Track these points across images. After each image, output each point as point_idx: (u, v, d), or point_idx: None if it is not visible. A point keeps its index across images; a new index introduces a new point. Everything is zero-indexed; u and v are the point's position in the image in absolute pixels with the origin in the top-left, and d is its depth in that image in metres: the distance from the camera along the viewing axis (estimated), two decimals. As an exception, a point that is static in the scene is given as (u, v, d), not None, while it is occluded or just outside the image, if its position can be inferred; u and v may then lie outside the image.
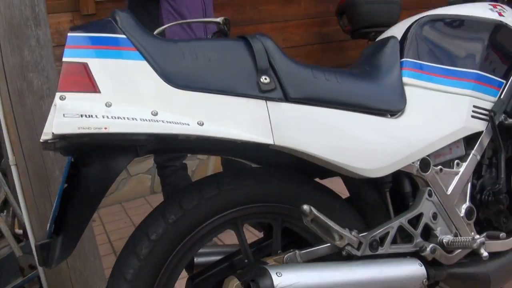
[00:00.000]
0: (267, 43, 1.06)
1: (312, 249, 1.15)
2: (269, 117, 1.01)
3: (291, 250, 1.13)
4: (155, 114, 0.90)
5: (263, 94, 1.01)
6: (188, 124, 0.91)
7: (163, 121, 0.89)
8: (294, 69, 1.09)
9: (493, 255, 1.42)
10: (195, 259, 1.26)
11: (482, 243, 1.17)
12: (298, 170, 1.21)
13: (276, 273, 0.98)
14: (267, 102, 1.02)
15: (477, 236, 1.19)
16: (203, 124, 0.93)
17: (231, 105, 0.98)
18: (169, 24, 1.37)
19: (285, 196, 1.15)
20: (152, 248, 1.02)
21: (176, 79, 0.94)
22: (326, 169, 1.24)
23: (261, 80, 1.02)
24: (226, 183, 1.09)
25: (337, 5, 3.85)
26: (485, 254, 1.18)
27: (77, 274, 1.73)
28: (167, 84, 0.93)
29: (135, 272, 1.02)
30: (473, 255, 1.38)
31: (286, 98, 1.04)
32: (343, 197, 1.29)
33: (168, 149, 1.13)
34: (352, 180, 1.26)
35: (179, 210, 1.05)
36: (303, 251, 1.13)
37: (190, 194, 1.07)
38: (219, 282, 1.17)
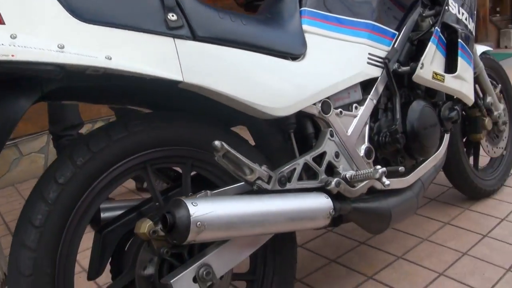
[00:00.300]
0: None
1: (223, 188, 1.17)
2: (178, 54, 1.01)
3: (203, 191, 1.14)
4: (62, 47, 0.87)
5: (171, 31, 1.01)
6: (96, 57, 0.89)
7: (70, 53, 0.87)
8: (201, 9, 1.09)
9: (393, 192, 1.53)
10: (101, 214, 1.23)
11: (384, 172, 1.25)
12: None
13: (192, 203, 0.99)
14: (175, 39, 1.02)
15: (378, 167, 1.26)
16: (111, 58, 0.91)
17: (139, 40, 0.97)
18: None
19: (195, 139, 1.16)
20: (61, 192, 0.98)
21: (82, 12, 0.91)
22: (230, 117, 1.26)
23: (168, 17, 1.02)
24: (134, 125, 1.07)
25: None
26: (387, 182, 1.26)
27: (-26, 253, 1.63)
28: (73, 18, 0.90)
29: (43, 218, 0.97)
30: (376, 192, 1.48)
31: (194, 36, 1.05)
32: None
33: (70, 94, 1.09)
34: (257, 127, 1.30)
35: (87, 152, 1.02)
36: (214, 191, 1.15)
37: (97, 136, 1.04)
38: (129, 233, 1.15)
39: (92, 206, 1.05)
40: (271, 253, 1.33)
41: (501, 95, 2.36)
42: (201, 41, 1.07)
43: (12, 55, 0.81)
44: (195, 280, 1.09)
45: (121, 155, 1.06)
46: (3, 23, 0.84)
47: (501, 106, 2.29)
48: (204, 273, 1.09)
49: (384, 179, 1.25)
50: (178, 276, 1.06)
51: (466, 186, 2.21)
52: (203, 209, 1.00)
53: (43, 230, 0.97)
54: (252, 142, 1.35)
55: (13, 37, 0.83)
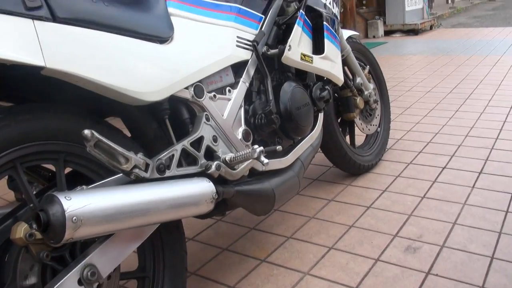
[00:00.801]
0: None
1: (100, 182, 1.12)
2: (38, 38, 0.95)
3: (78, 187, 1.08)
4: None
5: (29, 12, 0.94)
6: None
7: None
8: None
9: (274, 172, 1.56)
10: None
11: (261, 151, 1.27)
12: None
13: (65, 197, 0.93)
14: (34, 21, 0.95)
15: (256, 146, 1.27)
16: None
17: None
18: None
19: (64, 131, 1.09)
20: None
21: None
22: (101, 108, 1.21)
23: None
24: None
25: None
26: (265, 161, 1.28)
27: None
28: None
29: None
30: (258, 175, 1.50)
31: (54, 18, 0.99)
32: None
33: None
34: (131, 116, 1.26)
35: None
36: (90, 186, 1.09)
37: None
38: (7, 242, 1.05)
39: None
40: (159, 246, 1.30)
41: (370, 75, 2.51)
42: (62, 23, 1.01)
43: None
44: (80, 282, 1.03)
45: None
46: None
47: (371, 86, 2.44)
48: (89, 273, 1.04)
49: (262, 158, 1.27)
50: (61, 280, 1.00)
51: (345, 164, 2.32)
52: (78, 202, 0.94)
53: None
54: (128, 134, 1.31)
55: None
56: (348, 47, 2.24)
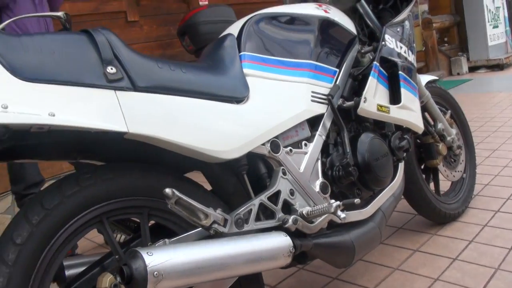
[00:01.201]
0: (109, 36, 1.10)
1: (181, 236, 1.18)
2: (120, 106, 1.04)
3: (160, 240, 1.14)
4: (5, 107, 0.89)
5: (111, 84, 1.05)
6: (40, 115, 0.91)
7: (13, 112, 0.89)
8: (139, 60, 1.14)
9: (354, 224, 1.55)
10: (66, 272, 1.22)
11: (338, 206, 1.28)
12: None
13: (147, 253, 0.99)
14: (116, 91, 1.05)
15: (332, 201, 1.28)
16: (54, 115, 0.93)
17: (81, 95, 1.00)
18: (6, 22, 1.33)
19: (147, 188, 1.17)
20: (19, 253, 0.98)
21: (23, 72, 0.94)
22: (183, 164, 1.28)
23: (107, 70, 1.05)
24: (85, 179, 1.09)
25: (178, 27, 3.99)
26: (342, 215, 1.28)
27: None
28: (14, 77, 0.93)
29: (5, 280, 0.96)
30: (337, 227, 1.49)
31: (134, 87, 1.09)
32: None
33: (21, 153, 1.10)
34: (212, 171, 1.32)
35: (41, 210, 1.02)
36: (172, 239, 1.15)
37: (50, 193, 1.05)
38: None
39: (52, 263, 1.04)
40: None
41: (452, 120, 2.45)
42: (142, 91, 1.10)
43: None
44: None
45: (75, 210, 1.07)
46: None
47: (453, 131, 2.37)
48: None
49: (339, 212, 1.28)
50: None
51: (430, 212, 2.25)
52: (159, 258, 1.00)
53: None
54: (209, 187, 1.36)
55: None
56: (427, 93, 2.20)
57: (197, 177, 1.32)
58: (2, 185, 3.29)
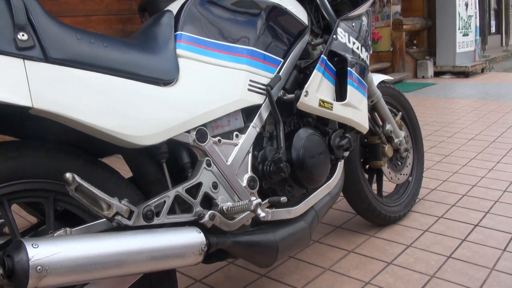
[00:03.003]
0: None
1: (86, 225, 1.09)
2: (27, 78, 0.93)
3: (62, 228, 1.04)
4: None
5: (20, 52, 0.94)
6: None
7: None
8: (56, 29, 1.02)
9: (282, 222, 1.48)
10: None
11: (259, 204, 1.20)
12: None
13: (32, 245, 0.89)
14: (25, 61, 0.94)
15: (253, 198, 1.21)
16: None
17: None
18: None
19: (54, 170, 1.07)
20: None
21: None
22: (101, 148, 1.18)
23: (18, 36, 0.94)
24: None
25: (139, 3, 3.89)
26: (262, 214, 1.21)
27: None
28: None
29: None
30: (262, 224, 1.42)
31: (46, 58, 0.98)
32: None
33: None
34: (131, 157, 1.22)
35: None
36: (75, 229, 1.06)
37: None
38: None
39: None
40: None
41: (402, 122, 2.41)
42: (54, 63, 0.99)
43: None
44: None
45: None
46: None
47: (402, 133, 2.33)
48: None
49: (259, 211, 1.20)
50: None
51: (369, 213, 2.21)
52: (45, 251, 0.90)
53: None
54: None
55: None
56: (378, 92, 2.15)
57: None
58: None
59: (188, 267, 1.68)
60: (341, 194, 2.00)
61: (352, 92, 1.71)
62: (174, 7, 1.41)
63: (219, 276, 1.93)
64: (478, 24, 9.18)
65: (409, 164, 2.47)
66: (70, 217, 1.15)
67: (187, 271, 1.95)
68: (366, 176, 2.21)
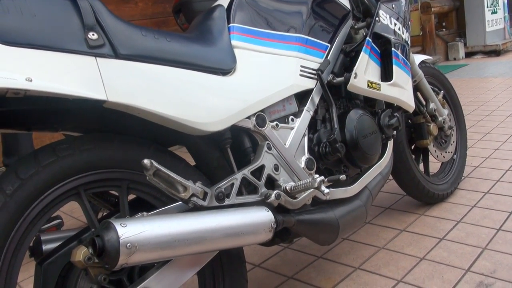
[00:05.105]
0: (93, 1, 1.05)
1: (161, 209, 1.15)
2: (100, 73, 1.00)
3: (139, 213, 1.11)
4: None
5: (92, 50, 1.01)
6: (16, 79, 0.87)
7: None
8: (122, 26, 1.09)
9: (340, 201, 1.53)
10: (43, 246, 1.19)
11: (322, 181, 1.25)
12: None
13: (121, 224, 0.96)
14: (97, 58, 1.01)
15: (316, 176, 1.26)
16: (31, 80, 0.89)
17: (60, 61, 0.96)
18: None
19: (127, 160, 1.14)
20: None
21: (2, 35, 0.90)
22: (166, 137, 1.25)
23: (89, 36, 1.01)
24: (63, 149, 1.05)
25: (173, 5, 3.96)
26: (326, 191, 1.26)
27: None
28: None
29: None
30: (322, 204, 1.47)
31: (116, 54, 1.05)
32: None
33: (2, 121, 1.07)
34: (195, 145, 1.29)
35: (16, 179, 0.99)
36: (151, 213, 1.12)
37: (26, 162, 1.01)
38: (70, 263, 1.11)
39: (27, 236, 1.01)
40: (219, 273, 1.31)
41: (444, 101, 2.42)
42: (124, 59, 1.06)
43: None
44: (137, 306, 1.06)
45: (51, 181, 1.03)
46: None
47: (445, 111, 2.35)
48: None
49: (323, 187, 1.25)
50: None
51: (418, 192, 2.23)
52: (133, 229, 0.97)
53: None
54: (193, 163, 1.34)
55: None
56: (420, 72, 2.17)
57: (182, 153, 1.29)
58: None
59: (247, 252, 1.74)
60: (390, 176, 2.03)
61: (398, 72, 1.75)
62: (224, 1, 1.47)
63: (276, 260, 1.99)
64: (505, 1, 8.99)
65: (453, 142, 2.48)
66: (140, 205, 1.23)
67: (246, 257, 2.02)
68: (413, 156, 2.23)
